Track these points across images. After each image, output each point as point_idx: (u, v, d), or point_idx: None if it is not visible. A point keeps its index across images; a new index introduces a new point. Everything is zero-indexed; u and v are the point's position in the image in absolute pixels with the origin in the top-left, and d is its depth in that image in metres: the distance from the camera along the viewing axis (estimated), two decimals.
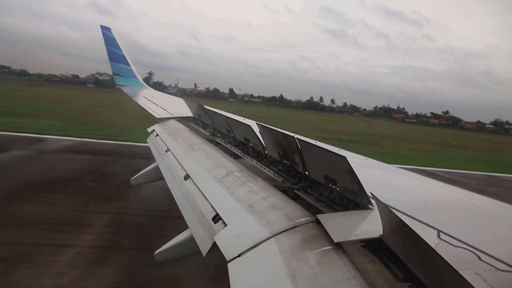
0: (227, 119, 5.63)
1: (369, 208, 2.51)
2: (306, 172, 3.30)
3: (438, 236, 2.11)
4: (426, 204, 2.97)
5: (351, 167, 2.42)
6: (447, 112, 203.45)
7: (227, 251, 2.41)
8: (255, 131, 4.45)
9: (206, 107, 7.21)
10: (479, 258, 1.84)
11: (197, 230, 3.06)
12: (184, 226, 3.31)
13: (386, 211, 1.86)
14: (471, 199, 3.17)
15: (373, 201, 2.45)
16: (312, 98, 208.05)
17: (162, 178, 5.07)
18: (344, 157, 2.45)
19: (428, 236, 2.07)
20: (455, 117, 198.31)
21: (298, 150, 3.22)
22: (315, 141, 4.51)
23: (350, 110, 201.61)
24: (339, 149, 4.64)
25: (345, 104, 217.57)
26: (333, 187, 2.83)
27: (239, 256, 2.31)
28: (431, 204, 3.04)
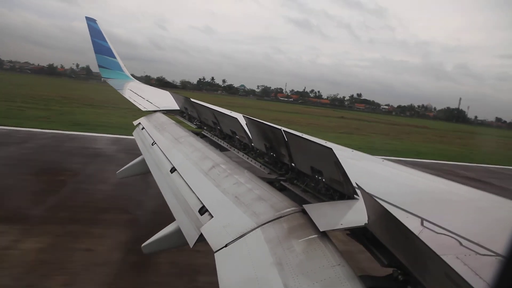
0: (214, 112, 5.60)
1: (354, 198, 2.54)
2: (293, 164, 3.32)
3: (422, 224, 2.16)
4: (410, 194, 3.03)
5: (337, 158, 2.44)
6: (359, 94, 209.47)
7: (214, 242, 2.41)
8: (242, 124, 4.44)
9: (192, 100, 7.16)
10: (460, 243, 1.89)
11: (183, 222, 3.06)
12: (171, 219, 3.30)
13: (371, 201, 1.89)
14: (453, 188, 3.24)
15: (358, 191, 2.48)
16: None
17: (148, 171, 5.04)
18: (330, 148, 2.47)
19: (412, 224, 2.11)
20: (369, 100, 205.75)
21: (285, 142, 3.23)
22: (302, 133, 4.53)
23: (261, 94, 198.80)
24: (326, 141, 4.68)
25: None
26: (319, 178, 2.85)
27: (225, 246, 2.31)
28: (415, 193, 3.09)
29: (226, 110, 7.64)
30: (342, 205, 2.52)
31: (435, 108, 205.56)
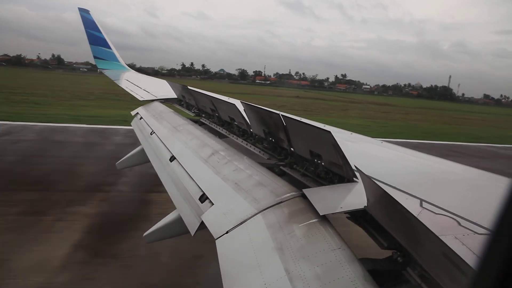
0: (212, 99, 5.57)
1: (353, 181, 2.54)
2: (292, 149, 3.31)
3: (421, 205, 2.16)
4: (409, 175, 3.03)
5: (335, 141, 2.43)
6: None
7: (215, 229, 2.43)
8: (240, 110, 4.42)
9: (190, 87, 7.11)
10: (459, 223, 1.89)
11: (184, 210, 3.07)
12: (172, 207, 3.32)
13: (370, 183, 1.89)
14: (452, 168, 3.24)
15: (357, 174, 2.47)
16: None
17: (148, 161, 5.04)
18: (329, 131, 2.46)
19: (411, 205, 2.12)
20: (353, 81, 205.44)
21: (283, 127, 3.22)
22: (300, 117, 4.51)
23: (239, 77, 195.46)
24: (324, 124, 4.66)
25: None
26: (318, 162, 2.85)
27: (226, 233, 2.33)
28: (414, 175, 3.09)
29: (224, 96, 7.59)
30: (341, 189, 2.52)
31: (421, 86, 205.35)
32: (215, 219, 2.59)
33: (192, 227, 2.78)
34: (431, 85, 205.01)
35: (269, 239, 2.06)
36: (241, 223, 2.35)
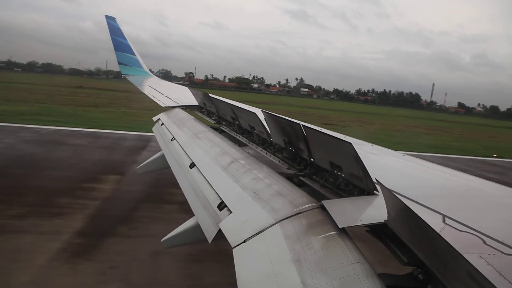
0: (232, 107, 5.61)
1: (374, 194, 2.50)
2: (311, 159, 3.30)
3: (443, 221, 2.10)
4: (431, 190, 2.96)
5: (356, 153, 2.40)
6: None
7: (232, 238, 2.43)
8: (260, 119, 4.44)
9: (211, 95, 7.19)
10: (484, 242, 1.83)
11: (202, 218, 3.09)
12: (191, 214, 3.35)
13: (391, 197, 1.86)
14: (476, 184, 3.15)
15: (378, 187, 2.44)
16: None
17: (168, 167, 5.11)
18: (350, 143, 2.44)
19: (433, 221, 2.06)
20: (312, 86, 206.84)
21: (304, 137, 3.21)
22: (321, 128, 4.49)
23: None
24: (345, 136, 4.62)
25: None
26: (339, 173, 2.82)
27: (244, 242, 2.33)
28: (437, 189, 3.02)
29: (245, 105, 7.64)
30: (361, 201, 2.49)
31: (393, 94, 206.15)
32: (233, 228, 2.60)
33: (210, 235, 2.79)
34: (401, 92, 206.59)
35: (287, 250, 2.05)
36: (259, 233, 2.35)
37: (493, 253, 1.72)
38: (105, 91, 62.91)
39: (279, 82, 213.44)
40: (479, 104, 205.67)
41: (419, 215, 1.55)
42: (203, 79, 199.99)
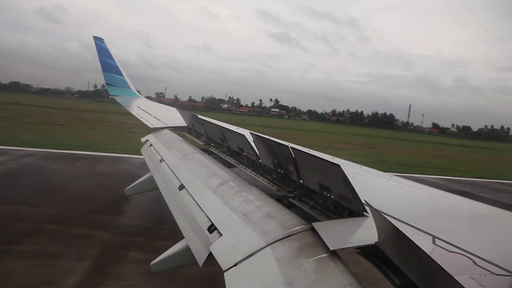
0: (221, 129, 5.64)
1: (364, 215, 2.52)
2: (301, 181, 3.31)
3: (433, 242, 2.13)
4: (421, 211, 3.00)
5: (345, 175, 2.43)
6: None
7: (223, 261, 2.41)
8: (249, 140, 4.46)
9: (200, 116, 7.22)
10: (475, 262, 1.86)
11: (192, 240, 3.06)
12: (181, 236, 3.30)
13: (381, 218, 1.88)
14: (465, 205, 3.20)
15: (367, 208, 2.46)
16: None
17: (156, 188, 5.06)
18: (338, 165, 2.47)
19: (423, 242, 2.09)
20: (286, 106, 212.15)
21: (292, 159, 3.23)
22: (309, 149, 4.54)
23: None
24: (333, 157, 4.67)
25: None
26: (328, 195, 2.84)
27: (235, 265, 2.30)
28: (426, 210, 3.06)
29: (233, 126, 7.68)
30: (351, 223, 2.50)
31: (367, 115, 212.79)
32: (223, 251, 2.57)
33: (200, 258, 2.75)
34: (375, 112, 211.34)
35: (278, 273, 2.04)
36: (250, 256, 2.33)
37: (484, 273, 1.74)
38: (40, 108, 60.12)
39: (253, 103, 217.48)
40: (453, 125, 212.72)
41: (409, 236, 1.57)
42: (173, 98, 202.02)
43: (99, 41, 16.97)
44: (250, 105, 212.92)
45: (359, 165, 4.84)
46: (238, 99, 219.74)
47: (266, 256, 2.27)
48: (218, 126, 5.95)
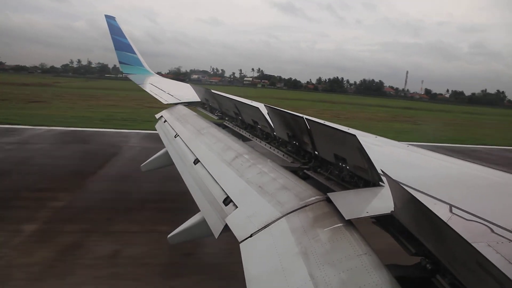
0: (235, 102, 5.61)
1: (379, 185, 2.50)
2: (316, 152, 3.29)
3: (450, 210, 2.10)
4: (437, 180, 2.94)
5: (361, 145, 2.39)
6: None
7: (239, 233, 2.44)
8: (263, 113, 4.43)
9: (213, 91, 7.19)
10: (492, 230, 1.82)
11: (208, 213, 3.10)
12: (196, 209, 3.36)
13: (397, 187, 1.85)
14: (482, 173, 3.13)
15: (383, 178, 2.43)
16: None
17: (172, 164, 5.12)
18: (354, 135, 2.43)
19: (440, 211, 2.06)
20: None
21: (307, 130, 3.20)
22: (324, 121, 4.48)
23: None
24: (348, 128, 4.60)
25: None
26: (343, 165, 2.82)
27: (250, 236, 2.33)
28: (443, 179, 3.01)
29: (247, 100, 7.63)
30: (367, 193, 2.48)
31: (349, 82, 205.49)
32: (239, 222, 2.60)
33: (216, 230, 2.80)
34: (362, 80, 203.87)
35: (294, 244, 2.05)
36: (265, 227, 2.35)
37: (501, 241, 1.71)
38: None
39: (233, 74, 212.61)
40: (447, 90, 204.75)
41: (426, 205, 1.54)
42: None
43: (110, 20, 16.87)
44: (232, 76, 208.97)
45: (374, 136, 4.76)
46: (222, 70, 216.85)
47: (281, 227, 2.29)
48: (232, 99, 5.92)
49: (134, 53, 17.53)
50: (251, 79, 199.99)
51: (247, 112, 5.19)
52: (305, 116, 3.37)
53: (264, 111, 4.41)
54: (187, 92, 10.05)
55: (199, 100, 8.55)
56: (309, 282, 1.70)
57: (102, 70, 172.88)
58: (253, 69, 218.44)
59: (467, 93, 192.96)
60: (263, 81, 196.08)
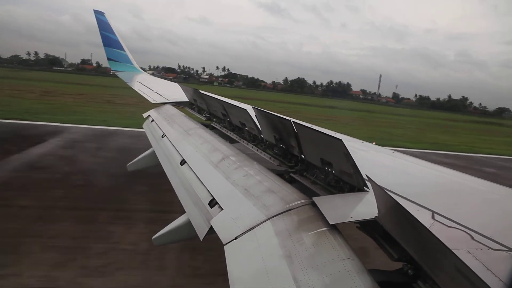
0: (223, 104, 5.59)
1: (364, 191, 2.52)
2: (302, 156, 3.30)
3: (433, 217, 2.13)
4: (421, 186, 2.99)
5: (347, 149, 2.42)
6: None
7: (224, 235, 2.43)
8: (251, 115, 4.43)
9: (201, 91, 7.16)
10: (472, 237, 1.86)
11: (194, 215, 3.08)
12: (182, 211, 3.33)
13: (381, 193, 1.87)
14: (465, 181, 3.19)
15: (368, 183, 2.46)
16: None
17: (158, 163, 5.08)
18: (340, 140, 2.45)
19: (423, 217, 2.09)
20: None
21: (294, 134, 3.21)
22: (311, 124, 4.51)
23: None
24: (335, 132, 4.64)
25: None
26: (329, 170, 2.84)
27: (235, 239, 2.32)
28: (426, 186, 3.06)
29: (236, 101, 7.62)
30: (352, 198, 2.50)
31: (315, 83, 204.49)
32: (224, 225, 2.59)
33: (201, 232, 2.78)
34: (329, 82, 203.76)
35: (278, 247, 2.05)
36: (250, 229, 2.35)
37: (480, 248, 1.75)
38: None
39: (198, 71, 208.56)
40: (416, 95, 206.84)
41: (409, 211, 1.57)
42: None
43: (100, 15, 16.65)
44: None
45: (361, 141, 4.81)
46: (189, 67, 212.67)
47: (266, 230, 2.29)
48: (220, 101, 5.90)
49: (123, 50, 17.34)
50: (207, 76, 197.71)
51: (235, 114, 5.18)
52: (292, 120, 3.39)
53: (252, 113, 4.41)
54: (176, 92, 9.99)
55: (187, 100, 8.51)
56: (292, 285, 1.70)
57: (52, 63, 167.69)
58: (217, 67, 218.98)
59: (433, 98, 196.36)
60: (220, 79, 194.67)
